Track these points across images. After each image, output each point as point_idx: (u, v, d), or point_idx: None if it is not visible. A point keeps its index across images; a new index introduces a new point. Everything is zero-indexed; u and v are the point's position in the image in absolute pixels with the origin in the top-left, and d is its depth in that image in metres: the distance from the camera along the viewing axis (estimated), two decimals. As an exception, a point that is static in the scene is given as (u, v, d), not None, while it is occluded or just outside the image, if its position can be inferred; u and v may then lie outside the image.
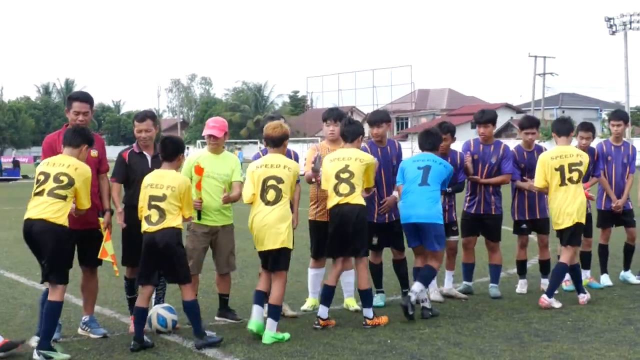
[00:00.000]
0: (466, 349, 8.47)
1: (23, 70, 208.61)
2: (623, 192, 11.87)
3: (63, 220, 8.26)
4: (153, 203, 8.57)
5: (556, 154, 10.52)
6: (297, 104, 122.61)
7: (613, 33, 76.44)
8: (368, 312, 9.56)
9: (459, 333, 9.20)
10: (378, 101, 74.99)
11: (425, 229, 10.00)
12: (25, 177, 56.08)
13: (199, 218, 9.39)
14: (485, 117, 11.39)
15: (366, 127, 10.72)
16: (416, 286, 9.88)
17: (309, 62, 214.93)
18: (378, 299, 10.59)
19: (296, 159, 10.23)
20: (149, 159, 9.40)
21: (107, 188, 9.21)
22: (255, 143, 71.55)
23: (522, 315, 10.09)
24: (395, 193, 10.29)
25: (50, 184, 8.27)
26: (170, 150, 8.89)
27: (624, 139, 12.41)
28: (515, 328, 9.43)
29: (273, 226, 8.99)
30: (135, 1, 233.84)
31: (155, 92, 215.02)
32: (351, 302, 10.46)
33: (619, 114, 12.49)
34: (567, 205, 10.35)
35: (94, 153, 9.02)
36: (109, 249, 8.79)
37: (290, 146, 10.11)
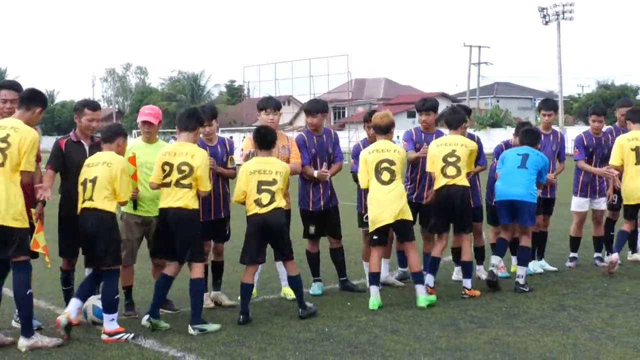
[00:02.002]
0: (403, 336, 8.52)
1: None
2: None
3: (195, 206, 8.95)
4: (263, 187, 9.22)
5: (632, 137, 11.66)
6: (234, 94, 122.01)
7: (546, 23, 77.46)
8: (467, 283, 10.51)
9: (396, 320, 9.25)
10: (315, 90, 74.84)
11: (521, 206, 10.86)
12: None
13: (135, 208, 9.32)
14: (427, 104, 11.40)
15: (304, 115, 10.72)
16: (520, 270, 10.92)
17: (246, 51, 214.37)
18: (316, 288, 10.64)
19: (231, 147, 10.22)
20: (87, 148, 9.26)
21: (39, 178, 9.05)
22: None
23: (458, 302, 10.18)
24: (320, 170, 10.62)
25: (175, 175, 8.80)
26: (269, 140, 9.55)
27: (554, 127, 12.62)
28: (451, 315, 9.51)
29: (393, 202, 9.89)
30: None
31: (89, 81, 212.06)
32: (288, 291, 10.46)
33: (549, 104, 12.66)
34: None
35: None
36: (41, 240, 8.64)
37: (226, 135, 10.09)
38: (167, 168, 8.85)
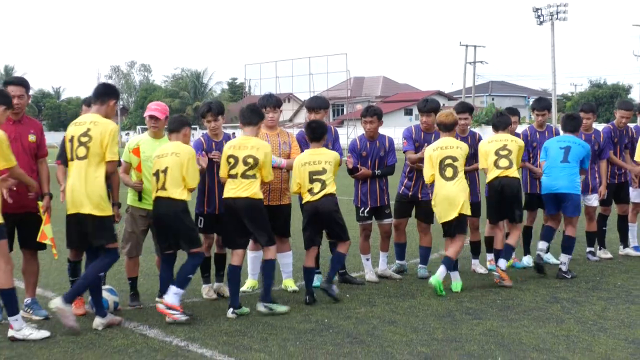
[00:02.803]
0: (400, 327, 8.53)
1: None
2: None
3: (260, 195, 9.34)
4: (314, 177, 9.67)
5: None
6: (236, 91, 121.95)
7: (541, 23, 77.28)
8: (501, 263, 10.82)
9: (394, 312, 9.26)
10: (314, 88, 75.00)
11: (566, 198, 11.27)
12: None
13: (139, 200, 9.34)
14: (428, 106, 11.39)
15: (304, 112, 10.73)
16: (563, 257, 11.30)
17: (247, 49, 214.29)
18: (315, 280, 10.63)
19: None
20: None
21: (46, 172, 9.05)
22: (195, 129, 70.97)
23: (454, 294, 10.19)
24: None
25: (241, 167, 9.16)
26: (319, 133, 9.94)
27: (548, 124, 12.65)
28: (447, 306, 9.52)
29: (455, 198, 10.29)
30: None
31: (95, 78, 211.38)
32: (289, 283, 10.48)
33: (542, 104, 12.66)
34: None
35: (32, 138, 8.88)
36: (48, 232, 8.68)
37: (229, 130, 10.13)
38: (232, 161, 9.20)
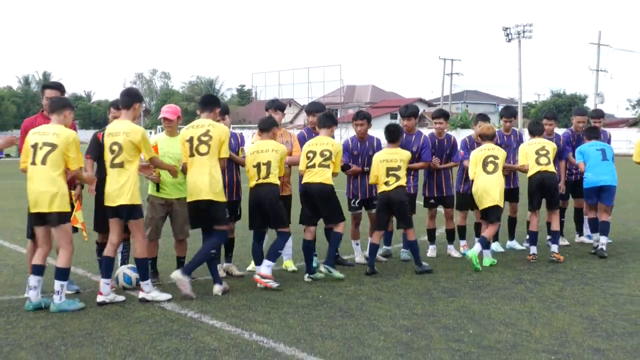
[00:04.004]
0: (385, 303, 8.52)
1: (6, 63, 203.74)
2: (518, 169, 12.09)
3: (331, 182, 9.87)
4: (391, 172, 10.19)
5: None
6: (244, 96, 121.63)
7: (509, 40, 77.22)
8: (554, 248, 11.45)
9: (380, 290, 9.25)
10: (312, 95, 75.12)
11: (609, 189, 11.88)
12: (7, 155, 54.84)
13: (157, 190, 9.30)
14: (408, 111, 11.43)
15: (303, 115, 10.73)
16: (602, 239, 11.74)
17: (254, 60, 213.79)
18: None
19: (242, 140, 10.23)
20: None
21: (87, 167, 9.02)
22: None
23: (432, 275, 10.18)
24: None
25: (318, 159, 9.77)
26: (396, 135, 10.46)
27: (514, 129, 12.67)
28: (426, 286, 9.52)
29: (492, 189, 10.84)
30: (105, 4, 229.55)
31: (121, 84, 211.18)
32: (289, 264, 10.47)
33: (509, 112, 12.63)
34: None
35: None
36: (79, 217, 8.66)
37: (237, 131, 10.14)
38: (310, 155, 9.83)
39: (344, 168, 10.69)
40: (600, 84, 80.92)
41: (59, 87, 9.07)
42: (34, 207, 8.09)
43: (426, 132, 11.64)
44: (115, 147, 8.36)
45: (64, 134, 8.13)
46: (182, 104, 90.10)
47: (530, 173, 11.51)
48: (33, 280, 8.20)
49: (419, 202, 11.66)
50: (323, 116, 10.25)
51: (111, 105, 9.49)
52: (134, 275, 9.09)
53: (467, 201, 11.92)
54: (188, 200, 8.91)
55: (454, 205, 11.75)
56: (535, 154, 11.46)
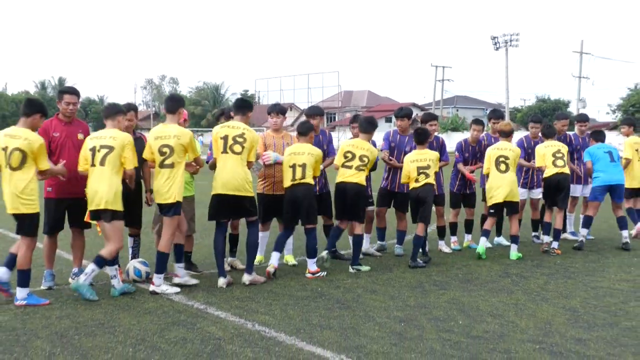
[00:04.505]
0: (380, 295, 8.52)
1: (23, 68, 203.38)
2: None
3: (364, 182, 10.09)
4: (421, 171, 10.48)
5: (635, 141, 12.77)
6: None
7: (497, 49, 77.03)
8: (554, 244, 11.65)
9: (375, 283, 9.25)
10: (312, 99, 75.02)
11: (620, 188, 12.09)
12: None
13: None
14: (402, 112, 11.43)
15: (303, 119, 10.73)
16: (624, 233, 12.06)
17: (257, 66, 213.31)
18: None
19: None
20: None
21: None
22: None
23: (424, 269, 10.18)
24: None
25: (357, 162, 10.00)
26: (424, 138, 10.71)
27: None
28: (418, 279, 9.52)
29: (506, 186, 11.08)
30: (117, 14, 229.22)
31: (132, 89, 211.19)
32: (290, 259, 10.46)
33: (497, 115, 12.67)
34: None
35: (80, 136, 8.83)
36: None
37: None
38: (349, 155, 10.04)
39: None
40: (582, 90, 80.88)
41: (76, 92, 9.06)
42: (92, 205, 8.27)
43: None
44: (166, 150, 8.51)
45: (120, 137, 8.34)
46: (189, 107, 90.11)
47: (547, 174, 11.69)
48: (111, 270, 8.45)
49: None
50: (365, 122, 10.36)
51: (125, 109, 9.45)
52: (144, 269, 9.10)
53: (458, 200, 11.96)
54: (216, 192, 8.92)
55: (445, 203, 11.73)
56: (552, 157, 11.65)
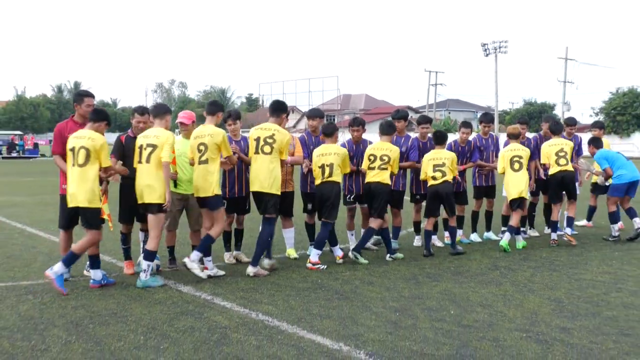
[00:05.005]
0: (376, 287, 8.52)
1: (41, 73, 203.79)
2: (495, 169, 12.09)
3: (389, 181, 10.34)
4: (437, 168, 10.78)
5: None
6: (252, 104, 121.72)
7: (487, 55, 77.05)
8: (568, 230, 11.92)
9: (371, 275, 9.24)
10: (312, 102, 75.09)
11: (637, 183, 12.34)
12: (42, 155, 54.79)
13: (175, 186, 9.26)
14: (399, 114, 11.40)
15: (304, 120, 10.72)
16: (637, 220, 12.20)
17: (261, 71, 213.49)
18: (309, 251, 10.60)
19: (246, 142, 10.05)
20: None
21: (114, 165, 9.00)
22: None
23: (418, 262, 10.18)
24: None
25: (378, 162, 10.23)
26: (442, 139, 11.06)
27: (491, 133, 12.64)
28: (412, 272, 9.51)
29: (519, 184, 11.35)
30: (130, 22, 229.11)
31: (143, 92, 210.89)
32: (292, 252, 10.44)
33: (488, 118, 12.63)
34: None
35: None
36: (106, 209, 8.65)
37: (247, 134, 10.06)
38: (372, 158, 10.27)
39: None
40: (567, 94, 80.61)
41: (93, 95, 9.09)
42: (140, 199, 8.51)
43: (413, 135, 11.58)
44: (202, 147, 8.79)
45: (163, 135, 8.51)
46: (197, 110, 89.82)
47: (551, 172, 11.89)
48: (144, 264, 8.47)
49: (406, 197, 11.65)
50: (386, 125, 10.59)
51: (135, 111, 9.44)
52: (155, 262, 9.08)
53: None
54: (252, 190, 9.27)
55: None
56: (555, 156, 11.81)
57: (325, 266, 9.67)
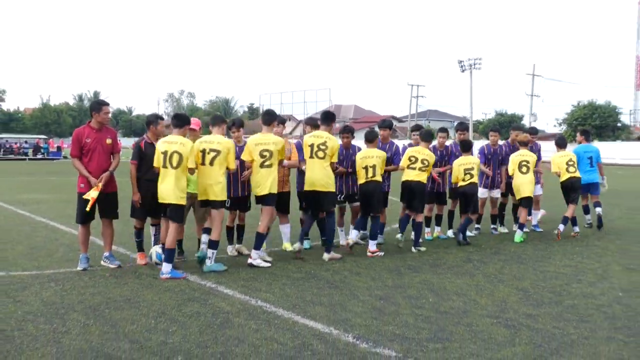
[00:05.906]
0: (363, 277, 8.51)
1: (64, 83, 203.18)
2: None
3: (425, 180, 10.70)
4: (467, 172, 11.15)
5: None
6: (253, 112, 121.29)
7: (463, 71, 77.15)
8: (576, 228, 12.43)
9: (359, 266, 9.23)
10: (307, 111, 75.16)
11: (593, 186, 13.20)
12: (65, 157, 54.57)
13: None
14: (385, 124, 11.43)
15: (300, 128, 10.70)
16: (599, 209, 13.02)
17: (261, 83, 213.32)
18: (306, 244, 10.58)
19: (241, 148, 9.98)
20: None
21: (116, 161, 8.90)
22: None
23: (400, 255, 10.18)
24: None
25: (419, 164, 10.55)
26: (469, 147, 11.46)
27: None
28: (395, 263, 9.51)
29: (527, 185, 11.84)
30: (144, 38, 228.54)
31: (155, 101, 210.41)
32: (288, 246, 10.40)
33: (463, 126, 12.65)
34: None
35: (108, 141, 8.76)
36: (92, 194, 8.49)
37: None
38: (412, 159, 10.61)
39: (333, 170, 10.65)
40: (534, 106, 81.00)
41: (109, 104, 9.06)
42: (202, 196, 8.77)
43: (398, 142, 11.61)
44: (267, 153, 9.04)
45: (225, 142, 8.76)
46: (204, 118, 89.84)
47: (563, 178, 12.39)
48: (210, 252, 8.71)
49: (394, 198, 11.65)
50: (426, 132, 10.97)
51: (149, 118, 9.38)
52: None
53: (431, 197, 11.95)
54: (305, 189, 9.60)
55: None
56: (565, 165, 12.38)
57: (382, 253, 10.03)
